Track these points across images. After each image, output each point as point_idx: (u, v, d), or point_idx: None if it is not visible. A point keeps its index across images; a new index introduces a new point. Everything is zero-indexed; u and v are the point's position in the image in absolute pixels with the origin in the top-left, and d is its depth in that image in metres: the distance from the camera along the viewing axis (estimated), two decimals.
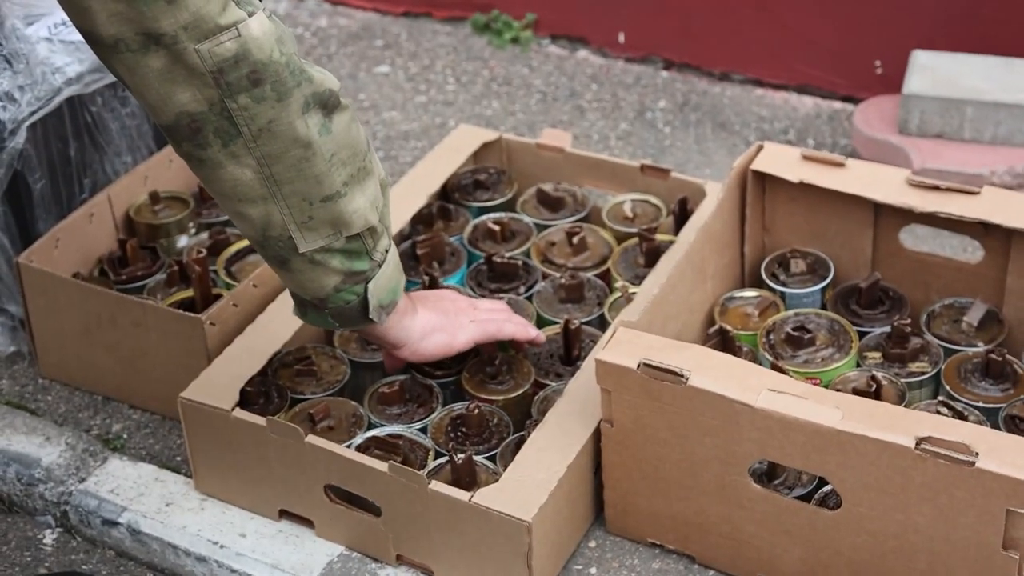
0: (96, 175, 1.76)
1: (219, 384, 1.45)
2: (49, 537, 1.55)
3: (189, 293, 1.63)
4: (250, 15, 1.13)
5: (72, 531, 1.54)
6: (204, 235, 1.77)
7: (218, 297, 1.60)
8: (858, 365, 1.48)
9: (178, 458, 1.57)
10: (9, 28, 1.65)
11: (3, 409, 1.64)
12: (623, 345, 1.32)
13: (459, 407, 1.47)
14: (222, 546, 1.45)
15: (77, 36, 1.73)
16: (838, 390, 1.43)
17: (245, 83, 1.14)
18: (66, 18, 1.77)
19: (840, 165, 1.53)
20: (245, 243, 1.71)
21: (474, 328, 1.45)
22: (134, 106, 1.79)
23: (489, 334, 1.46)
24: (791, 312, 1.53)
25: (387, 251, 1.31)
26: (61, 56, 1.67)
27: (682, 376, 1.27)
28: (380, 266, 1.29)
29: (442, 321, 1.42)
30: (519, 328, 1.49)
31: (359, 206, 1.24)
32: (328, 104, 1.20)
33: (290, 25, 2.51)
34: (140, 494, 1.52)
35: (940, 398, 1.42)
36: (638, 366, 1.29)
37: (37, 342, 1.67)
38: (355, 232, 1.25)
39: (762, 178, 1.58)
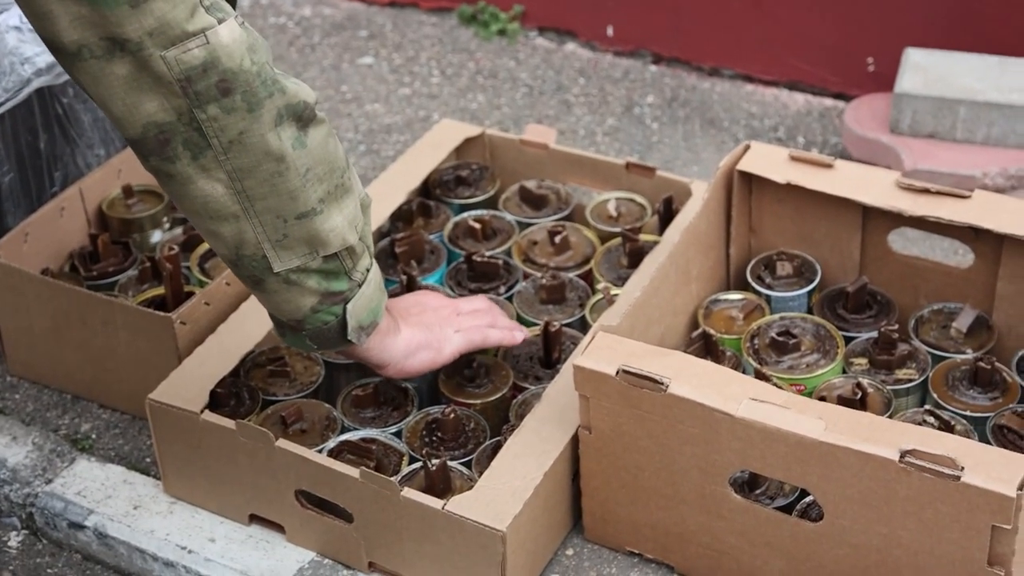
0: (67, 168, 1.72)
1: (189, 385, 1.42)
2: (14, 539, 1.51)
3: (161, 290, 1.59)
4: (220, 22, 1.09)
5: (38, 533, 1.51)
6: (178, 230, 1.73)
7: (190, 295, 1.56)
8: (844, 371, 1.45)
9: (147, 459, 1.53)
10: None
11: None
12: (602, 351, 1.29)
13: (435, 411, 1.44)
14: (190, 551, 1.41)
15: None
16: (823, 397, 1.40)
17: (214, 92, 1.09)
18: None
19: (828, 166, 1.50)
20: None
21: (459, 339, 1.41)
22: None
23: (475, 344, 1.43)
24: (776, 316, 1.50)
25: (368, 270, 1.26)
26: (31, 46, 1.63)
27: (662, 384, 1.24)
28: (360, 286, 1.25)
29: (426, 337, 1.38)
30: (504, 334, 1.46)
31: (336, 224, 1.19)
32: (303, 117, 1.15)
33: (273, 14, 2.47)
34: (108, 496, 1.48)
35: (927, 406, 1.39)
36: (617, 373, 1.26)
37: (5, 339, 1.63)
38: (332, 251, 1.20)
39: (749, 178, 1.54)
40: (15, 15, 1.70)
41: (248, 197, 1.15)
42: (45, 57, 1.64)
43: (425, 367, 1.39)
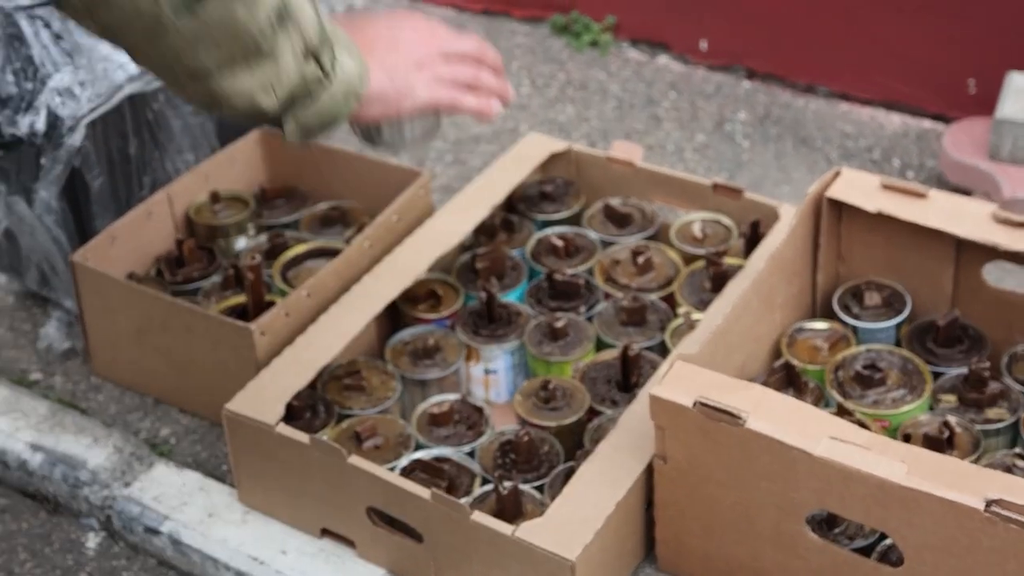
0: (156, 173, 1.73)
1: (265, 396, 1.42)
2: (92, 541, 1.53)
3: (243, 298, 1.60)
4: None
5: (115, 536, 1.53)
6: (263, 237, 1.74)
7: (271, 304, 1.56)
8: (931, 408, 1.40)
9: (224, 467, 1.54)
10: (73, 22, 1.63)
11: (54, 407, 1.63)
12: (680, 380, 1.26)
13: (509, 432, 1.43)
14: (262, 562, 1.42)
15: None
16: (908, 435, 1.36)
17: None
18: None
19: (921, 196, 1.46)
20: (303, 248, 1.68)
21: (423, 96, 1.23)
22: None
23: (441, 106, 1.25)
24: (862, 348, 1.46)
25: (322, 79, 1.13)
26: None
27: (739, 418, 1.21)
28: (309, 97, 1.12)
29: (384, 86, 1.20)
30: (480, 104, 1.27)
31: (243, 88, 1.09)
32: None
33: None
34: (183, 503, 1.49)
35: (1017, 449, 1.34)
36: (694, 404, 1.23)
37: (90, 341, 1.66)
38: (239, 111, 1.11)
39: (838, 205, 1.50)
40: None
41: (128, 49, 1.08)
42: None
43: (375, 118, 1.23)
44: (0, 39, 1.61)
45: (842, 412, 1.37)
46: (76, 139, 1.59)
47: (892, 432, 1.37)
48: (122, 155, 1.69)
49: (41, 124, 1.59)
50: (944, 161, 1.92)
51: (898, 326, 1.49)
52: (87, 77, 1.60)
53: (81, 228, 1.67)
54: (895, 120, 2.10)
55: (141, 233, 1.68)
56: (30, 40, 1.60)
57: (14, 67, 1.61)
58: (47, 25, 1.61)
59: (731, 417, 1.21)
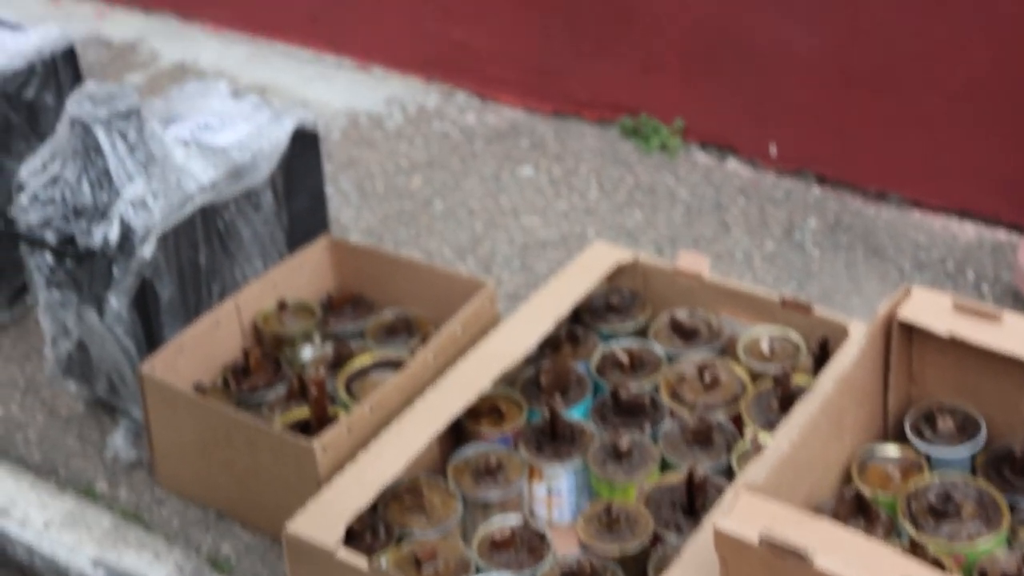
0: (225, 281, 1.75)
1: (326, 517, 1.41)
2: None
3: (308, 411, 1.60)
4: None
5: None
6: (328, 346, 1.75)
7: (335, 418, 1.56)
8: (1009, 543, 1.36)
9: None
10: (149, 132, 1.66)
11: (117, 520, 1.63)
12: (745, 512, 1.23)
13: (571, 559, 1.40)
14: None
15: (216, 141, 1.74)
16: (984, 571, 1.31)
17: None
18: (209, 120, 1.78)
19: (995, 318, 1.42)
20: (368, 359, 1.68)
21: None
22: (267, 212, 1.79)
23: None
24: (936, 479, 1.42)
25: None
26: (197, 161, 1.67)
27: (806, 557, 1.18)
28: None
29: None
30: None
31: None
32: None
33: (438, 120, 2.50)
34: None
35: None
36: (759, 541, 1.20)
37: (156, 452, 1.66)
38: None
39: (909, 326, 1.47)
40: (186, 128, 1.75)
41: None
42: (210, 173, 1.68)
43: None
44: (78, 151, 1.64)
45: (915, 546, 1.33)
46: (148, 250, 1.61)
47: (968, 568, 1.33)
48: (192, 265, 1.70)
49: (114, 235, 1.61)
50: (1019, 275, 1.88)
51: (973, 453, 1.45)
52: (160, 187, 1.62)
53: (151, 337, 1.68)
54: (969, 230, 2.07)
55: (209, 342, 1.69)
56: (107, 152, 1.63)
57: (90, 178, 1.64)
58: (123, 136, 1.64)
59: (798, 557, 1.18)
